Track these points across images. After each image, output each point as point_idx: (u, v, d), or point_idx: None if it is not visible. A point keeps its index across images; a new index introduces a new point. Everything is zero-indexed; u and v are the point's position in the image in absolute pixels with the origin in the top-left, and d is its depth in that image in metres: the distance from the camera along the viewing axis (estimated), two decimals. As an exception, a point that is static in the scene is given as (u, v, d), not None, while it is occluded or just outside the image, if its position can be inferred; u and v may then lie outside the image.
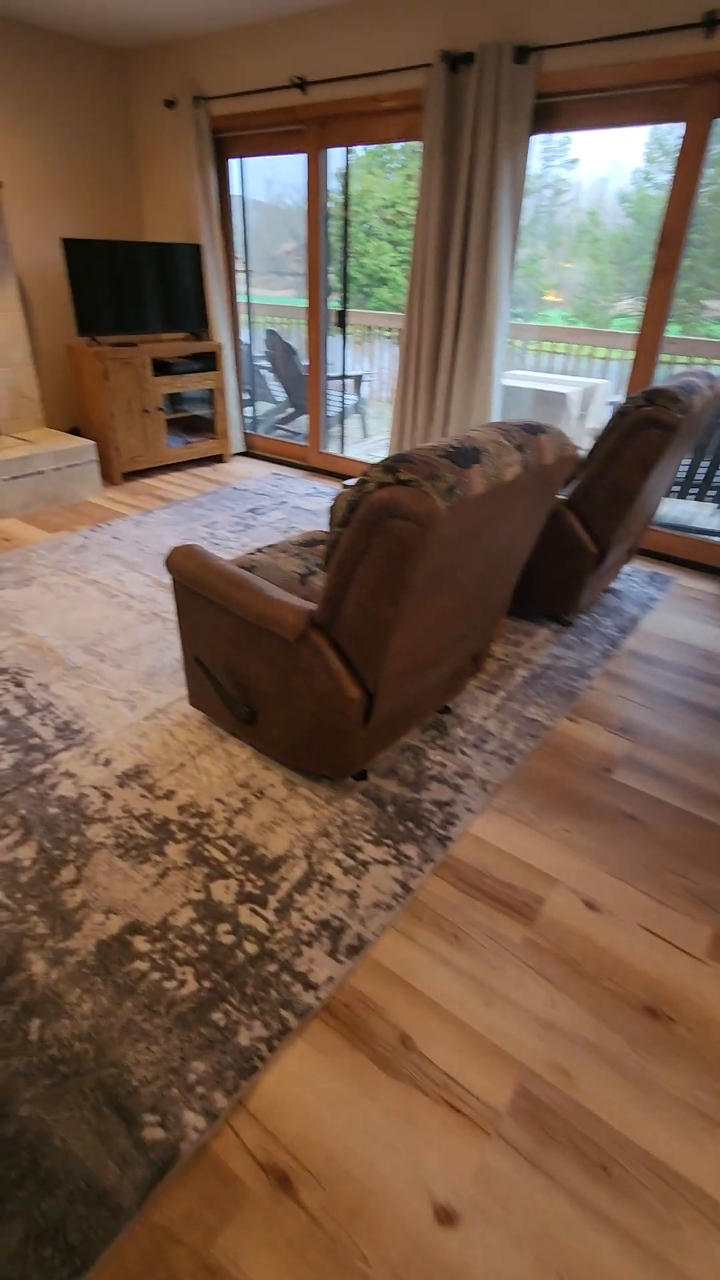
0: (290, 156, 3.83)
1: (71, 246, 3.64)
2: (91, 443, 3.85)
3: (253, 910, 1.50)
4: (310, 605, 1.61)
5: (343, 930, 1.47)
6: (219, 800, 1.80)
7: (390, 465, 1.31)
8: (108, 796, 1.80)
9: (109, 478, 4.17)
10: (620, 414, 2.27)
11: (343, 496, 2.23)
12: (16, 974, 1.35)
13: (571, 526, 2.41)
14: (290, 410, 5.43)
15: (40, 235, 4.01)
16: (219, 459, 4.71)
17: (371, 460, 4.47)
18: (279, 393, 5.55)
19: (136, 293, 3.99)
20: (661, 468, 2.37)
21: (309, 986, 1.35)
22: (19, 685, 2.23)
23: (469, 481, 1.32)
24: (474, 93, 2.91)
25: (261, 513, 3.78)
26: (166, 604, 2.77)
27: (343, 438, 4.67)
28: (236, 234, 4.34)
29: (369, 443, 5.44)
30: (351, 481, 3.31)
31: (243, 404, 4.76)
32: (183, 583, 1.78)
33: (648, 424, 2.21)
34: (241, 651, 1.75)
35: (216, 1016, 1.29)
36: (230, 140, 4.00)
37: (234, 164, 4.15)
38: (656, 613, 2.89)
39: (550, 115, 2.95)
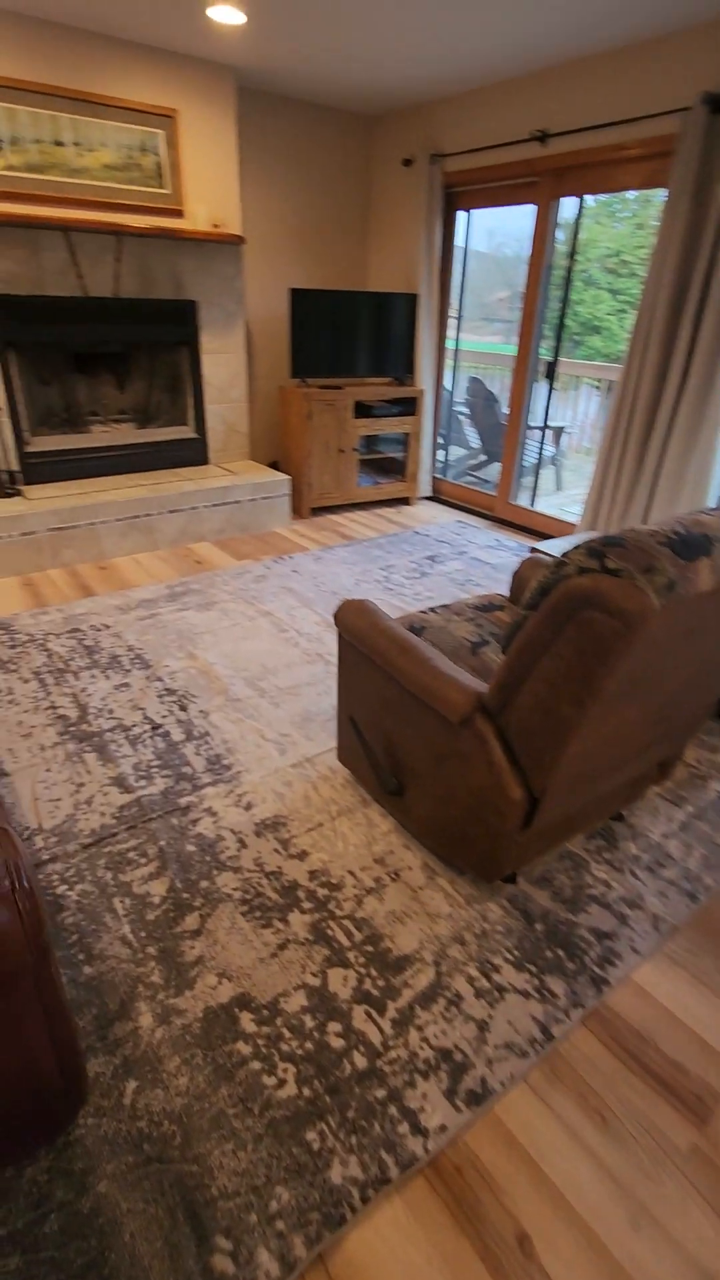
0: (516, 208, 3.78)
1: (297, 296, 3.87)
2: (287, 478, 4.02)
3: (368, 1014, 1.36)
4: (480, 685, 1.45)
5: (465, 1069, 1.27)
6: (351, 873, 1.68)
7: (597, 549, 1.13)
8: (243, 844, 1.76)
9: (298, 511, 4.33)
10: None
11: (529, 565, 2.05)
12: (125, 1022, 1.32)
13: None
14: (483, 458, 5.34)
15: (270, 284, 4.31)
16: (405, 501, 4.72)
17: (563, 515, 4.22)
18: (474, 439, 5.48)
19: (350, 339, 4.14)
20: None
21: (418, 1131, 1.17)
22: (183, 709, 2.30)
23: (693, 577, 1.09)
24: (736, 134, 2.64)
25: (440, 561, 3.69)
26: (331, 645, 2.75)
27: (534, 490, 4.46)
28: (454, 283, 4.36)
29: (561, 497, 5.17)
30: (543, 545, 3.11)
31: (436, 448, 4.74)
32: (349, 639, 1.71)
33: None
34: (398, 720, 1.63)
35: (311, 1136, 1.15)
36: (460, 194, 4.04)
37: (460, 216, 4.18)
38: None
39: None
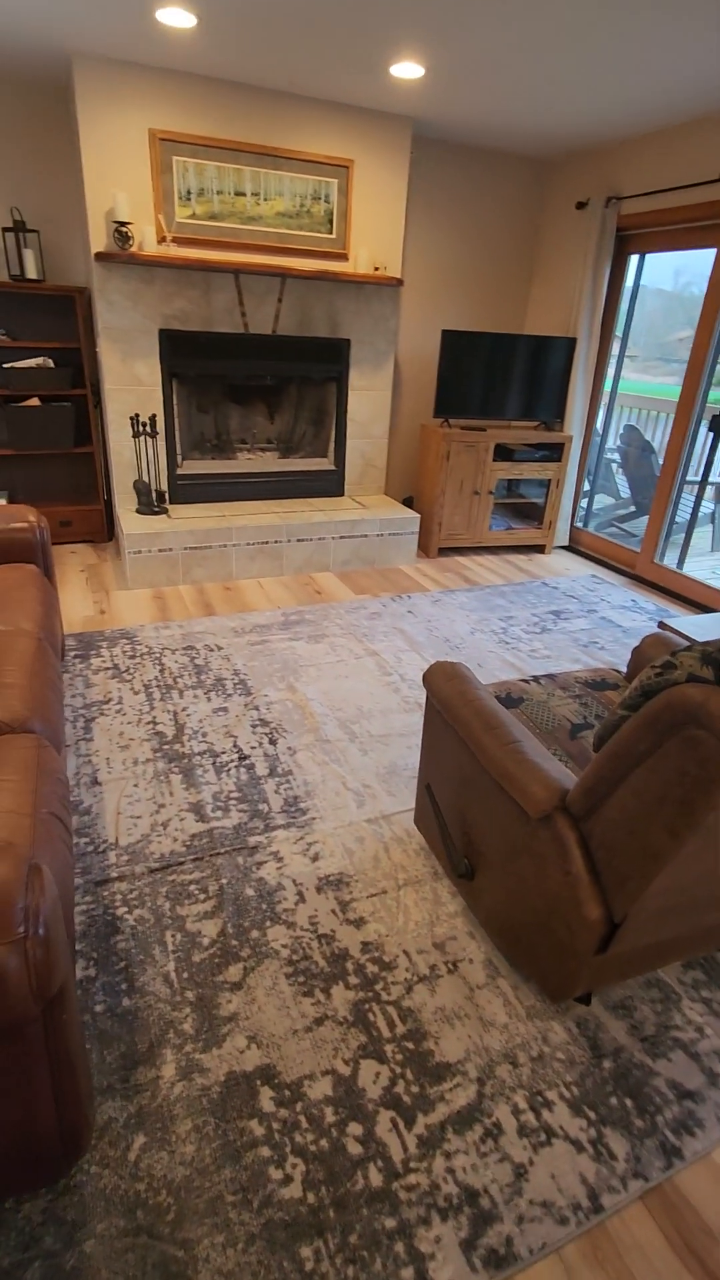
0: (696, 252, 3.53)
1: (448, 337, 3.86)
2: (416, 515, 3.99)
3: (394, 1123, 1.24)
4: (569, 779, 1.30)
5: (491, 1220, 1.11)
6: (406, 954, 1.57)
7: (715, 655, 0.96)
8: (302, 897, 1.70)
9: (425, 549, 4.28)
10: None
11: (653, 642, 1.85)
12: (148, 1068, 1.30)
13: None
14: (631, 509, 5.01)
15: (424, 324, 4.35)
16: (539, 549, 4.52)
17: (714, 580, 3.83)
18: (624, 488, 5.17)
19: (498, 381, 4.06)
20: None
21: (423, 1282, 1.04)
22: (272, 743, 2.30)
23: None
24: None
25: (565, 617, 3.48)
26: (433, 696, 2.66)
27: (684, 550, 4.10)
28: (620, 326, 4.15)
29: (716, 559, 4.72)
30: (675, 620, 2.81)
31: (578, 497, 4.51)
32: (435, 704, 1.62)
33: None
34: (475, 799, 1.51)
35: (305, 1253, 1.06)
36: (633, 237, 3.85)
37: (631, 260, 3.98)
38: None
39: None
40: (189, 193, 3.27)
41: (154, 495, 3.71)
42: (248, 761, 2.20)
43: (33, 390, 3.63)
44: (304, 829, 1.93)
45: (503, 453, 4.14)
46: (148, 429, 3.62)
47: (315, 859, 1.83)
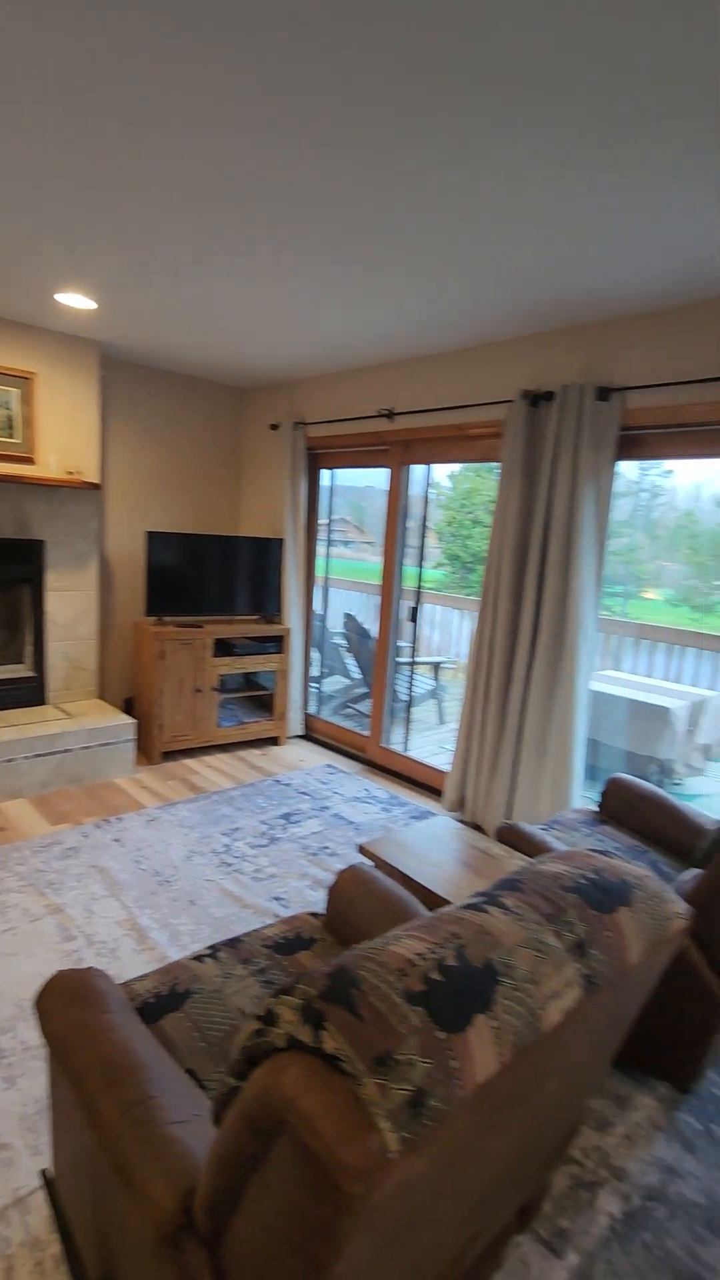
0: (373, 470, 3.98)
1: (153, 538, 3.77)
2: (131, 721, 3.60)
3: None
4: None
5: None
6: None
7: (316, 1008, 0.70)
8: None
9: (147, 754, 3.84)
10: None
11: (350, 878, 1.62)
12: None
13: (695, 967, 1.63)
14: (364, 690, 5.16)
15: (137, 525, 4.26)
16: (273, 741, 4.34)
17: (442, 753, 3.93)
18: (354, 669, 5.35)
19: (211, 579, 4.04)
20: None
21: None
22: None
23: (461, 1068, 0.68)
24: (555, 425, 2.83)
25: (296, 820, 3.22)
26: (128, 965, 2.13)
27: (407, 733, 4.21)
28: (325, 518, 4.46)
29: (445, 731, 4.97)
30: (373, 843, 2.38)
31: (307, 684, 4.51)
32: (51, 1048, 1.16)
33: None
34: (105, 1192, 1.04)
35: None
36: (322, 455, 4.27)
37: (324, 474, 4.40)
38: None
39: (636, 445, 2.79)
40: None
41: None
42: None
43: None
44: None
45: (223, 648, 4.01)
46: None
47: None
